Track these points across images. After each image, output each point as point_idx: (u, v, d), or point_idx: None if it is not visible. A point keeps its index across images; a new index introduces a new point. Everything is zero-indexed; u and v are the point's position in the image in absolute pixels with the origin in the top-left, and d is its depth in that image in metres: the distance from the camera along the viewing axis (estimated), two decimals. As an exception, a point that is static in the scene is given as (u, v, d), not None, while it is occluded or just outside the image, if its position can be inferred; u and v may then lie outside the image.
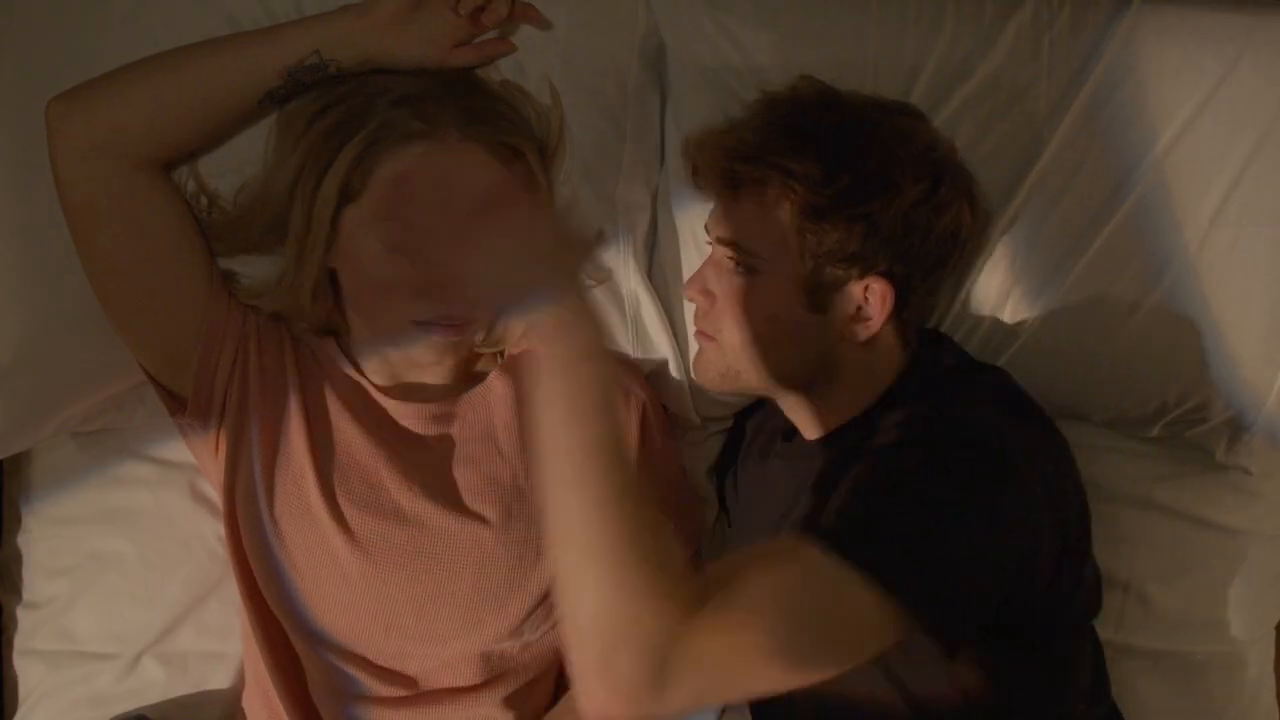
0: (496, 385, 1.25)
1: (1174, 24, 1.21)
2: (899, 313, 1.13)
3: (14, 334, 1.18)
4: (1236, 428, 1.33)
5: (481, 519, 1.18)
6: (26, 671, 1.30)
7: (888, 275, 1.10)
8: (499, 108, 1.18)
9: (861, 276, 1.10)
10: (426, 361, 1.21)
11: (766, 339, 1.12)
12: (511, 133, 1.17)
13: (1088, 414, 1.34)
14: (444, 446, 1.22)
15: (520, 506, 1.20)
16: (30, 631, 1.30)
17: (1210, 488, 1.38)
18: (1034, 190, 1.23)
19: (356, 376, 1.22)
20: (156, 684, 1.29)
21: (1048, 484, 1.03)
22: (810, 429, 1.20)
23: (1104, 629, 1.24)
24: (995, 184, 1.23)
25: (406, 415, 1.22)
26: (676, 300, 1.32)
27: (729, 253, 1.13)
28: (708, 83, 1.24)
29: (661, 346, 1.33)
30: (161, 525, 1.31)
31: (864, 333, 1.12)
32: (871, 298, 1.10)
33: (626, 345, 1.33)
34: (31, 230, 1.17)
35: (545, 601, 1.19)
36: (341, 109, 1.12)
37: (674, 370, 1.33)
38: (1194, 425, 1.33)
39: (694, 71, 1.25)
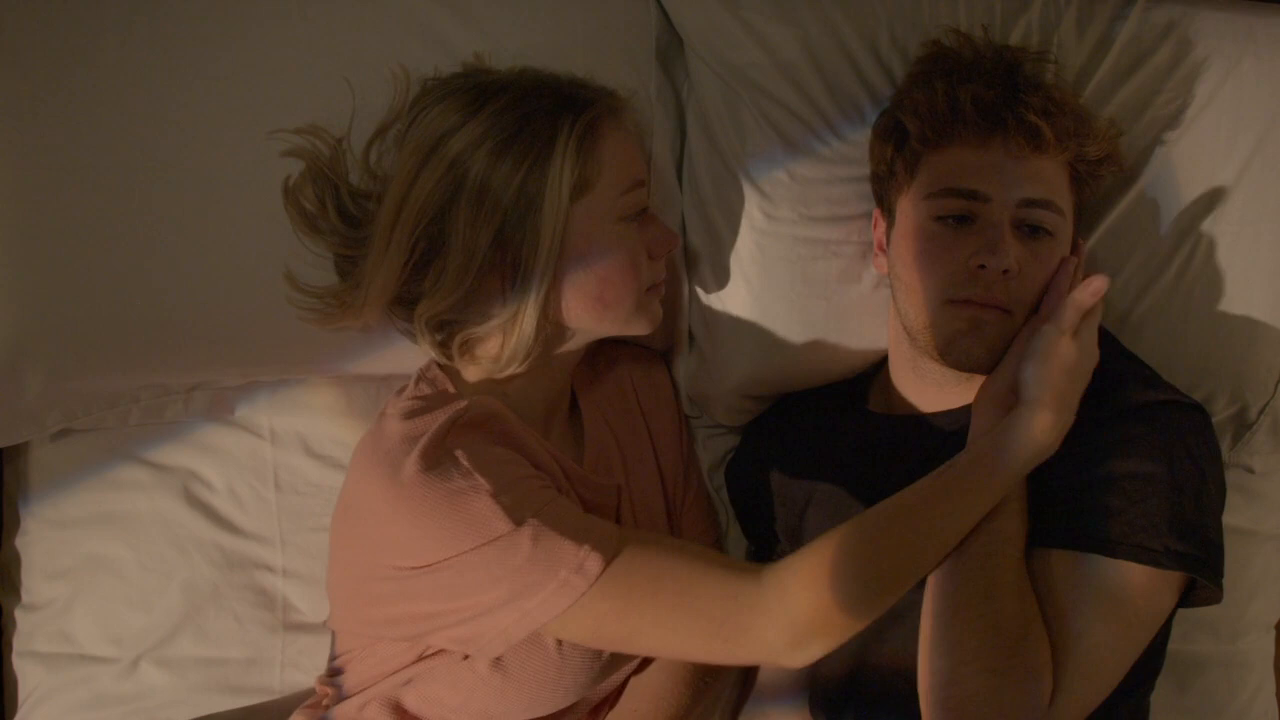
0: (594, 427, 1.24)
1: (1177, 22, 1.24)
2: None
3: (11, 330, 1.17)
4: (1240, 425, 1.34)
5: None
6: (26, 673, 1.28)
7: None
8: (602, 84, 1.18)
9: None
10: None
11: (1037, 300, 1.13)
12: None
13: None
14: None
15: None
16: (29, 633, 1.29)
17: (1212, 487, 1.40)
18: (1040, 187, 1.24)
19: (556, 451, 1.15)
20: (156, 688, 1.28)
21: None
22: (946, 392, 1.19)
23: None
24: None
25: (599, 492, 1.18)
26: (694, 303, 1.33)
27: (1036, 213, 1.12)
28: (737, 79, 1.25)
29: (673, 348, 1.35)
30: (158, 529, 1.29)
31: None
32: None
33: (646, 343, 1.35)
34: (31, 228, 1.16)
35: None
36: (516, 129, 1.07)
37: (676, 361, 1.35)
38: (1197, 423, 1.34)
39: (721, 70, 1.25)
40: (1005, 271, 1.09)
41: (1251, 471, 1.39)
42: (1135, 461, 1.04)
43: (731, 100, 1.25)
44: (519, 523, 0.99)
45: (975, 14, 1.23)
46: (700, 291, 1.32)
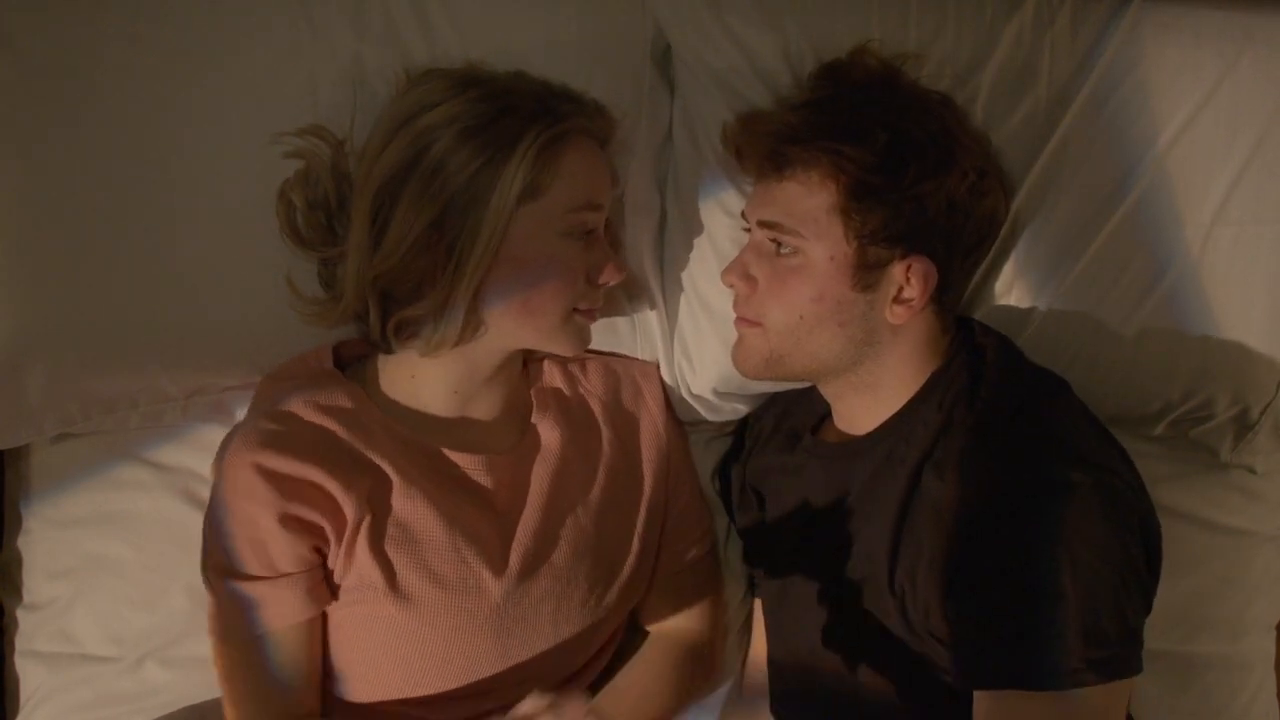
0: (547, 434, 1.24)
1: (1174, 22, 1.22)
2: (940, 295, 1.14)
3: (12, 331, 1.17)
4: (1241, 426, 1.33)
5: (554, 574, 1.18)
6: (27, 673, 1.29)
7: (930, 255, 1.11)
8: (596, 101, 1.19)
9: (904, 257, 1.11)
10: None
11: (812, 320, 1.12)
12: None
13: (1090, 413, 1.34)
14: (510, 498, 1.20)
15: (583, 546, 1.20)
16: (31, 633, 1.30)
17: (1212, 488, 1.39)
18: (1036, 188, 1.24)
19: (409, 432, 1.18)
20: (159, 687, 1.28)
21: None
22: (856, 419, 1.20)
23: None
24: (997, 183, 1.23)
25: (472, 466, 1.19)
26: (673, 302, 1.33)
27: (771, 235, 1.14)
28: (717, 86, 1.24)
29: (656, 348, 1.34)
30: (160, 529, 1.30)
31: (905, 314, 1.12)
32: (914, 278, 1.11)
33: (632, 346, 1.34)
34: (33, 231, 1.16)
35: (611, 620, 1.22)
36: (488, 120, 1.09)
37: (664, 371, 1.34)
38: (1198, 424, 1.33)
39: (703, 75, 1.25)
40: None
41: (1253, 472, 1.39)
42: (1035, 572, 0.99)
43: (715, 106, 1.24)
44: (205, 572, 1.14)
45: (966, 16, 1.22)
46: (682, 289, 1.32)
